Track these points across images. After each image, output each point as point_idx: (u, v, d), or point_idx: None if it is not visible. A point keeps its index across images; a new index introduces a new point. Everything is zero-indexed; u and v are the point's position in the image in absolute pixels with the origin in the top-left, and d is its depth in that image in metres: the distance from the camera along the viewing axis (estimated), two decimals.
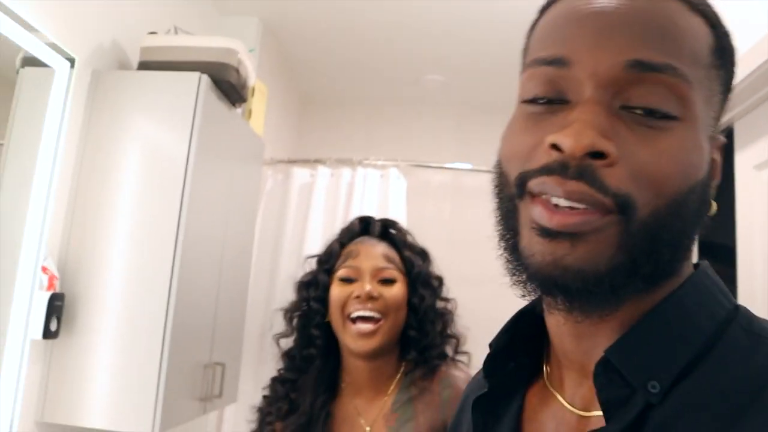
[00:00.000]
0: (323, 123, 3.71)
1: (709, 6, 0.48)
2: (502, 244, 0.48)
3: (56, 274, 1.49)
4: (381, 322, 1.16)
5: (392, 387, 1.20)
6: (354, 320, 1.16)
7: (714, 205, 0.48)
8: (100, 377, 1.53)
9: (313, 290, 1.25)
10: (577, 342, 0.49)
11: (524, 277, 0.45)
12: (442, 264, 1.33)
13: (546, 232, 0.43)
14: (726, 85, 0.48)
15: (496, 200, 0.50)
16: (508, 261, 0.48)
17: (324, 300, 1.23)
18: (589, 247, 0.42)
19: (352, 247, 1.25)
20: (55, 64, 1.42)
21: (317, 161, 2.57)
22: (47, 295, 1.43)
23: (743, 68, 1.57)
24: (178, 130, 1.65)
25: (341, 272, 1.22)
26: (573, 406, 0.50)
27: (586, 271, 0.42)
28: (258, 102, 2.24)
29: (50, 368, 1.54)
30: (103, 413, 1.51)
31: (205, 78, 1.69)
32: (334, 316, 1.20)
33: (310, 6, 2.66)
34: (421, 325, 1.21)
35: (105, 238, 1.60)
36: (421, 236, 1.34)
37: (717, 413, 0.40)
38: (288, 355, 1.28)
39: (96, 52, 1.72)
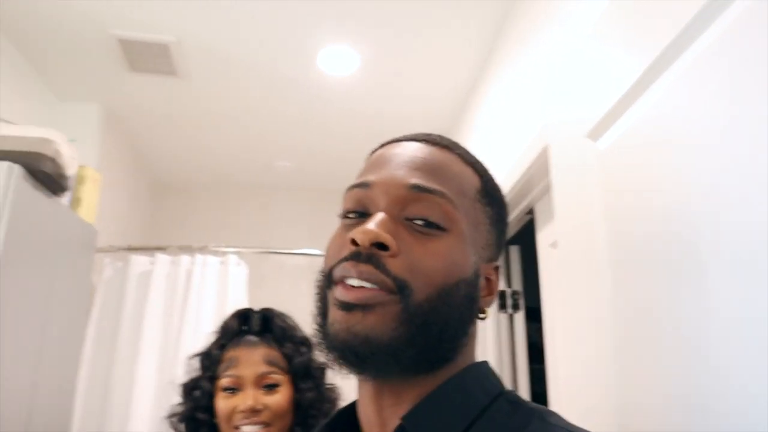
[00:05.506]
0: (177, 209, 3.66)
1: (479, 162, 0.66)
2: (316, 321, 0.60)
3: None
4: (269, 427, 1.18)
5: None
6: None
7: (488, 312, 0.63)
8: None
9: (199, 397, 1.24)
10: (378, 414, 0.59)
11: (326, 344, 0.57)
12: None
13: (344, 306, 0.55)
14: (495, 219, 0.65)
15: (316, 292, 0.62)
16: (318, 333, 0.59)
17: (210, 408, 1.22)
18: (376, 318, 0.53)
19: (232, 352, 1.24)
20: None
21: (157, 248, 2.52)
22: None
23: (529, 155, 1.77)
24: None
25: (224, 382, 1.21)
26: None
27: (371, 337, 0.53)
28: (89, 190, 2.20)
29: None
30: None
31: (17, 168, 1.65)
32: (223, 426, 1.20)
33: (154, 93, 2.69)
34: (304, 420, 1.22)
35: None
36: None
37: None
38: None
39: None
